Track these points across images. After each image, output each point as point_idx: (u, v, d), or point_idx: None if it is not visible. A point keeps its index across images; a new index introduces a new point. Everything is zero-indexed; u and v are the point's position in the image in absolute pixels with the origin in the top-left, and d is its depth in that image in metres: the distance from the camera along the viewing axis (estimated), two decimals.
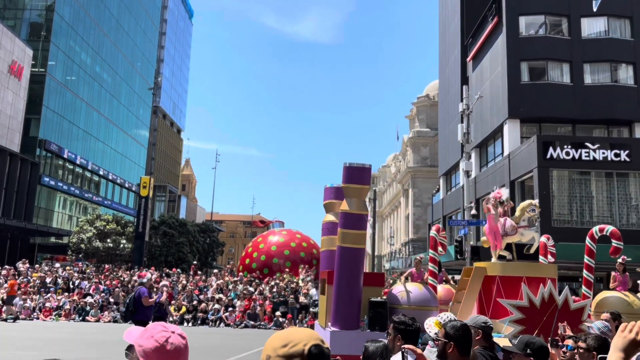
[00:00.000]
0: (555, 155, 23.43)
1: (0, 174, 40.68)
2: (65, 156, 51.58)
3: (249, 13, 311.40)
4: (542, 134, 26.27)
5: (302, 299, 22.07)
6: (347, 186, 10.01)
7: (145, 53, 73.16)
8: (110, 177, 61.78)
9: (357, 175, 10.04)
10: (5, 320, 19.09)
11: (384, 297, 10.06)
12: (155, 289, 11.61)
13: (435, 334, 4.02)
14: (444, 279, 13.27)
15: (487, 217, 10.02)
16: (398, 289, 10.36)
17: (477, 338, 3.86)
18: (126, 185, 66.28)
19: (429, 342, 4.72)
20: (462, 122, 26.64)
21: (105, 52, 60.49)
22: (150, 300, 10.17)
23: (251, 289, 23.46)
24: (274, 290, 22.73)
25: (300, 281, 24.60)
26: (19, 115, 44.40)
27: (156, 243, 44.20)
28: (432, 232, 12.08)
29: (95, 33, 57.73)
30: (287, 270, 26.66)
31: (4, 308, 19.77)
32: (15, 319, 19.34)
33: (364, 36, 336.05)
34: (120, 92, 65.25)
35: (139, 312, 9.97)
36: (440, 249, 11.91)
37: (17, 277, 23.50)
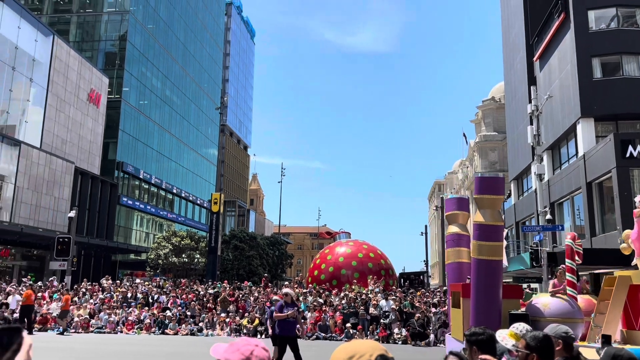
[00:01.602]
0: (635, 154, 22.08)
1: (83, 196, 43.42)
2: (141, 176, 54.35)
3: (307, 29, 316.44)
4: (620, 131, 24.85)
5: (372, 310, 21.94)
6: (481, 197, 9.82)
7: (211, 74, 76.02)
8: (183, 195, 64.38)
9: (490, 185, 9.90)
10: (62, 333, 20.10)
11: (524, 310, 9.74)
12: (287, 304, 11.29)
13: (513, 345, 3.92)
14: (582, 289, 12.33)
15: (635, 222, 9.40)
16: (538, 301, 10.01)
17: (557, 349, 3.74)
18: (198, 202, 68.78)
19: (504, 354, 4.61)
20: (531, 123, 25.68)
21: (174, 76, 63.44)
22: (281, 314, 10.13)
23: (321, 300, 23.59)
24: (344, 301, 22.74)
25: (369, 292, 24.48)
26: (98, 140, 47.31)
27: (228, 257, 45.48)
28: (568, 241, 11.40)
29: (164, 59, 60.72)
30: (355, 281, 26.60)
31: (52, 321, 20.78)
32: (64, 331, 20.27)
33: (422, 44, 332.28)
34: (189, 113, 68.08)
35: (279, 326, 10.08)
36: (577, 257, 11.20)
37: (102, 293, 24.94)
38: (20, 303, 20.64)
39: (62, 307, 20.84)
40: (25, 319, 19.62)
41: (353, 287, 25.49)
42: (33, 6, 52.11)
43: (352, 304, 22.38)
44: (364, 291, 24.68)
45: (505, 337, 4.19)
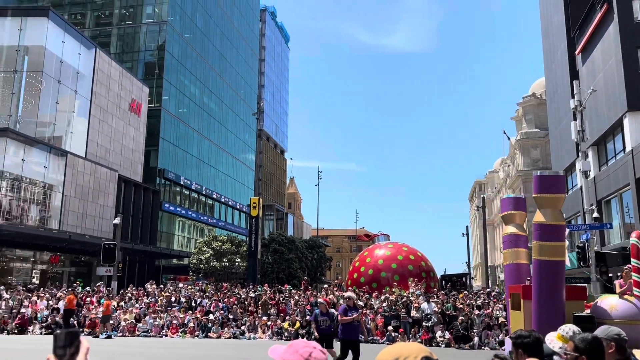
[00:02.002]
0: None
1: (127, 203, 44.65)
2: (182, 183, 55.52)
3: (341, 32, 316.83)
4: None
5: (414, 313, 21.69)
6: (540, 196, 9.59)
7: (247, 80, 77.03)
8: (222, 200, 65.38)
9: (550, 183, 9.66)
10: (109, 337, 20.61)
11: (588, 312, 9.47)
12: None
13: (560, 347, 3.80)
14: None
15: None
16: (604, 302, 9.72)
17: (610, 351, 3.59)
18: (237, 206, 69.72)
19: (554, 357, 4.46)
20: (575, 119, 24.88)
21: (211, 83, 64.58)
22: (346, 318, 10.18)
23: (361, 303, 23.46)
24: (385, 304, 22.56)
25: (410, 295, 24.21)
26: (140, 148, 48.59)
27: (267, 260, 45.88)
28: (633, 239, 11.01)
29: (201, 66, 61.90)
30: (395, 283, 26.35)
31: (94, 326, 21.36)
32: (109, 337, 20.77)
33: (458, 41, 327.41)
34: (227, 120, 69.16)
35: (342, 330, 10.18)
36: None
37: (147, 297, 25.54)
38: (63, 307, 21.36)
39: (103, 312, 21.47)
40: (69, 322, 20.29)
41: (393, 289, 25.26)
42: (76, 20, 54.04)
43: (393, 307, 22.17)
44: (405, 294, 24.42)
45: (553, 340, 4.06)
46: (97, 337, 20.60)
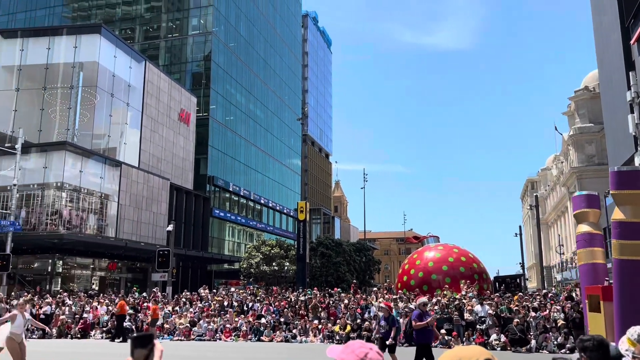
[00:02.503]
0: None
1: (179, 210, 45.91)
2: (230, 189, 56.62)
3: (383, 33, 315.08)
4: None
5: (467, 315, 21.26)
6: (619, 193, 9.28)
7: (291, 86, 77.82)
8: (270, 205, 66.22)
9: (630, 179, 9.33)
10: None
11: None
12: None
13: (627, 350, 3.69)
14: None
15: None
16: None
17: None
18: (284, 211, 70.42)
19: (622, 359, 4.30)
20: (632, 112, 23.80)
21: (256, 90, 65.64)
22: (421, 323, 10.48)
23: (412, 306, 23.22)
24: (437, 307, 22.22)
25: (462, 297, 23.76)
26: (190, 157, 49.90)
27: (315, 264, 46.09)
28: None
29: (246, 74, 63.02)
30: (447, 286, 25.90)
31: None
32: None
33: (504, 36, 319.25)
34: (272, 126, 70.07)
35: (417, 334, 10.61)
36: None
37: (200, 302, 26.16)
38: (115, 313, 22.16)
39: (151, 316, 22.15)
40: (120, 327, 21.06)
41: (445, 292, 24.84)
42: (126, 35, 56.13)
43: (446, 310, 21.81)
44: (457, 296, 23.98)
45: (623, 342, 3.95)
46: None
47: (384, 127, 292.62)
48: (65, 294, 27.91)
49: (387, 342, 11.79)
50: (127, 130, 41.71)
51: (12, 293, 27.29)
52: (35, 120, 36.96)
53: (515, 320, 19.47)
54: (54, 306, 24.71)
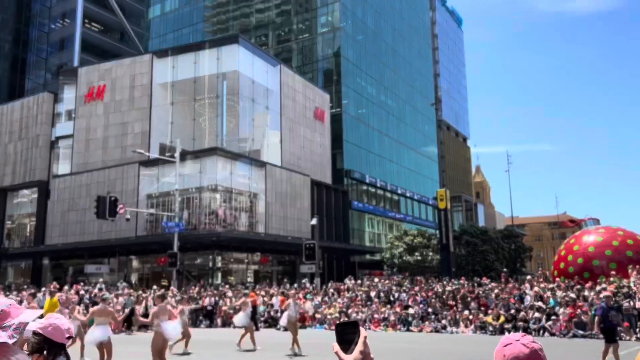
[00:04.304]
0: None
1: (320, 205, 47.53)
2: (367, 181, 57.21)
3: (516, 4, 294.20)
4: None
5: (639, 304, 19.12)
6: None
7: (421, 71, 76.20)
8: (407, 195, 65.65)
9: None
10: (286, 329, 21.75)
11: None
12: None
13: None
14: None
15: None
16: None
17: None
18: (423, 200, 69.34)
19: None
20: None
21: (386, 80, 65.36)
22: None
23: (572, 295, 21.47)
24: (601, 295, 20.29)
25: (632, 284, 21.41)
26: (327, 153, 51.33)
27: (460, 253, 44.69)
28: None
29: (376, 65, 63.04)
30: (612, 272, 23.52)
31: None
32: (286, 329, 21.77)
33: None
34: (404, 114, 69.29)
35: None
36: None
37: (347, 292, 26.83)
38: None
39: (281, 307, 23.11)
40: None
41: (611, 279, 22.60)
42: (260, 42, 59.35)
43: (614, 299, 19.80)
44: (625, 283, 21.68)
45: None
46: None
47: (525, 104, 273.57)
48: (227, 286, 30.44)
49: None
50: (268, 132, 44.10)
51: (182, 288, 30.41)
52: (189, 130, 40.70)
53: None
54: (217, 298, 27.03)
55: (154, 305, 13.88)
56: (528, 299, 22.18)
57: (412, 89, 72.39)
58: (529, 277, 28.52)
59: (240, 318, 16.33)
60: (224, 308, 25.76)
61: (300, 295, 26.67)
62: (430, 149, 76.59)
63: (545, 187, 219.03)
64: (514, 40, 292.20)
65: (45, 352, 3.06)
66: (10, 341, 2.16)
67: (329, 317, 24.11)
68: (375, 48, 63.63)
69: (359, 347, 1.53)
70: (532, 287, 23.53)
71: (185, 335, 14.76)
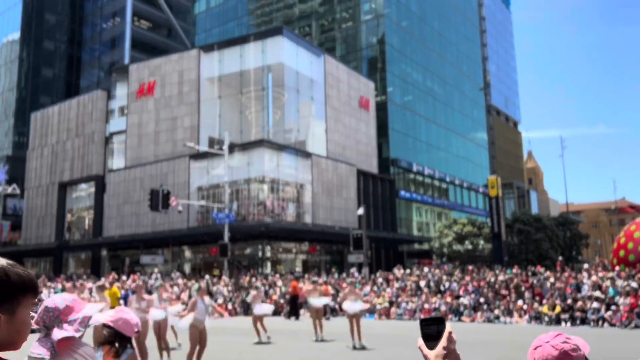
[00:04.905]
0: None
1: (366, 194, 47.34)
2: (414, 170, 56.46)
3: None
4: None
5: None
6: None
7: (469, 55, 74.25)
8: (456, 182, 64.39)
9: None
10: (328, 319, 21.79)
11: None
12: None
13: None
14: None
15: None
16: None
17: None
18: (473, 187, 67.88)
19: None
20: None
21: (433, 65, 64.08)
22: None
23: (634, 284, 20.54)
24: None
25: None
26: (373, 142, 50.95)
27: (513, 241, 43.57)
28: None
29: (421, 51, 61.89)
30: None
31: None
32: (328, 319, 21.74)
33: None
34: (452, 100, 67.81)
35: None
36: None
37: (397, 282, 26.67)
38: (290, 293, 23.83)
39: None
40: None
41: None
42: (304, 32, 59.34)
43: None
44: None
45: None
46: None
47: (578, 85, 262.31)
48: (277, 275, 30.88)
49: None
50: (313, 122, 44.17)
51: (232, 278, 31.05)
52: (236, 123, 41.31)
53: None
54: (267, 287, 27.45)
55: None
56: (585, 289, 21.39)
57: (460, 74, 70.69)
58: (586, 265, 27.46)
59: (261, 308, 16.27)
60: (274, 297, 26.14)
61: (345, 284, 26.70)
62: (480, 135, 74.72)
63: (602, 171, 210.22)
64: (565, 19, 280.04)
65: (116, 344, 3.26)
66: (77, 334, 2.24)
67: (378, 306, 24.05)
68: (421, 33, 62.44)
69: (442, 342, 1.53)
70: (589, 276, 22.68)
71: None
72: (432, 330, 1.55)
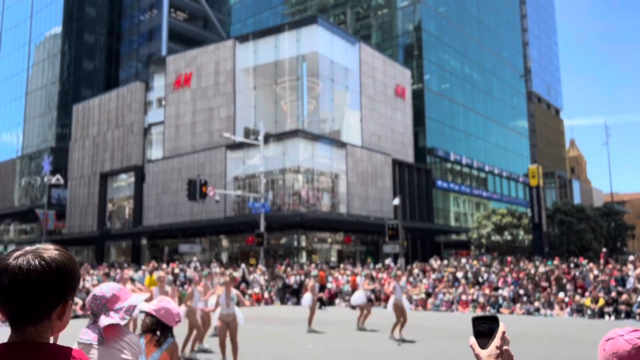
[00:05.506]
0: None
1: (402, 184, 46.80)
2: (451, 159, 55.44)
3: None
4: None
5: None
6: None
7: (509, 41, 72.20)
8: (495, 172, 62.97)
9: None
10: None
11: None
12: None
13: None
14: None
15: None
16: None
17: None
18: (512, 177, 66.28)
19: None
20: None
21: (471, 52, 62.57)
22: None
23: None
24: None
25: None
26: (409, 131, 50.23)
27: (554, 232, 42.35)
28: None
29: (459, 37, 60.48)
30: None
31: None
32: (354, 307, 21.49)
33: None
34: (491, 87, 66.15)
35: None
36: None
37: (433, 273, 26.30)
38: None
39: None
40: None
41: None
42: (339, 20, 58.81)
43: None
44: None
45: None
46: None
47: (624, 72, 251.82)
48: (312, 265, 30.93)
49: None
50: (348, 111, 43.84)
51: (268, 267, 31.28)
52: (271, 113, 41.40)
53: None
54: (303, 276, 27.53)
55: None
56: (631, 281, 20.57)
57: (499, 60, 68.83)
58: (631, 257, 26.41)
59: (306, 299, 16.57)
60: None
61: (385, 275, 26.51)
62: (520, 123, 72.74)
63: None
64: (610, 1, 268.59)
65: (158, 332, 3.38)
66: (122, 322, 2.36)
67: (414, 297, 23.78)
68: (459, 19, 61.00)
69: (495, 342, 1.48)
70: (635, 268, 21.80)
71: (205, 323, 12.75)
72: (484, 328, 1.50)
